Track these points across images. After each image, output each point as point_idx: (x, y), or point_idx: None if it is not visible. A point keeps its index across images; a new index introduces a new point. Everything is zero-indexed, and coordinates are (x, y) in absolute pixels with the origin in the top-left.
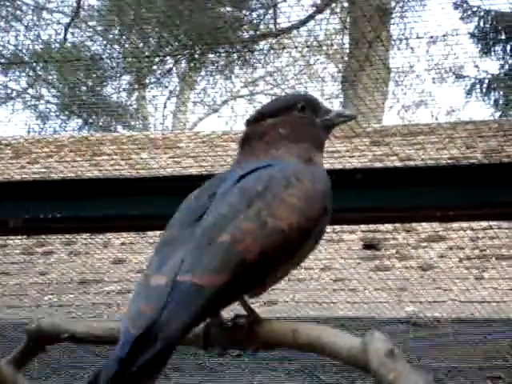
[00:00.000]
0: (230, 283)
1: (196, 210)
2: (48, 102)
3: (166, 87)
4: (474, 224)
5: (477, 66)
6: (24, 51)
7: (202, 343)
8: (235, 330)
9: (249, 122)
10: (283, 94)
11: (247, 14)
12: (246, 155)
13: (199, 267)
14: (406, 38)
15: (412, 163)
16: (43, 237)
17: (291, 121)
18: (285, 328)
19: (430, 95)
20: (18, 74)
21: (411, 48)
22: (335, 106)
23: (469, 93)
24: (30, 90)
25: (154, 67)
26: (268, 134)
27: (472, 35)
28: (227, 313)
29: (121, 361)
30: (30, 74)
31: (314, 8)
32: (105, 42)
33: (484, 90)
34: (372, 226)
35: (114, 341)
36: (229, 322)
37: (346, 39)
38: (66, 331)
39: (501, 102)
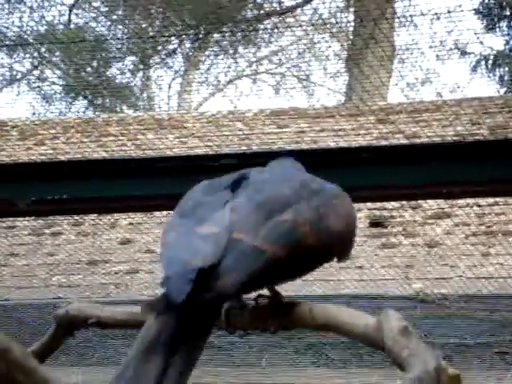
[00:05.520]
0: (288, 259)
1: (222, 183)
2: (53, 83)
3: (171, 67)
4: (480, 200)
5: (481, 43)
6: (28, 33)
7: (225, 325)
8: (257, 311)
9: None
10: (288, 72)
11: None
12: None
13: (260, 234)
14: (411, 15)
15: (418, 140)
16: (51, 218)
17: None
18: (303, 309)
19: (435, 72)
20: (22, 55)
21: (415, 25)
22: (339, 84)
23: (474, 69)
24: (35, 72)
25: (159, 47)
26: None
27: (477, 11)
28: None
29: (191, 282)
30: (35, 55)
31: None
32: (109, 23)
33: (489, 67)
34: (378, 204)
35: (140, 325)
36: (251, 302)
37: (351, 17)
38: (93, 316)
39: (506, 78)
